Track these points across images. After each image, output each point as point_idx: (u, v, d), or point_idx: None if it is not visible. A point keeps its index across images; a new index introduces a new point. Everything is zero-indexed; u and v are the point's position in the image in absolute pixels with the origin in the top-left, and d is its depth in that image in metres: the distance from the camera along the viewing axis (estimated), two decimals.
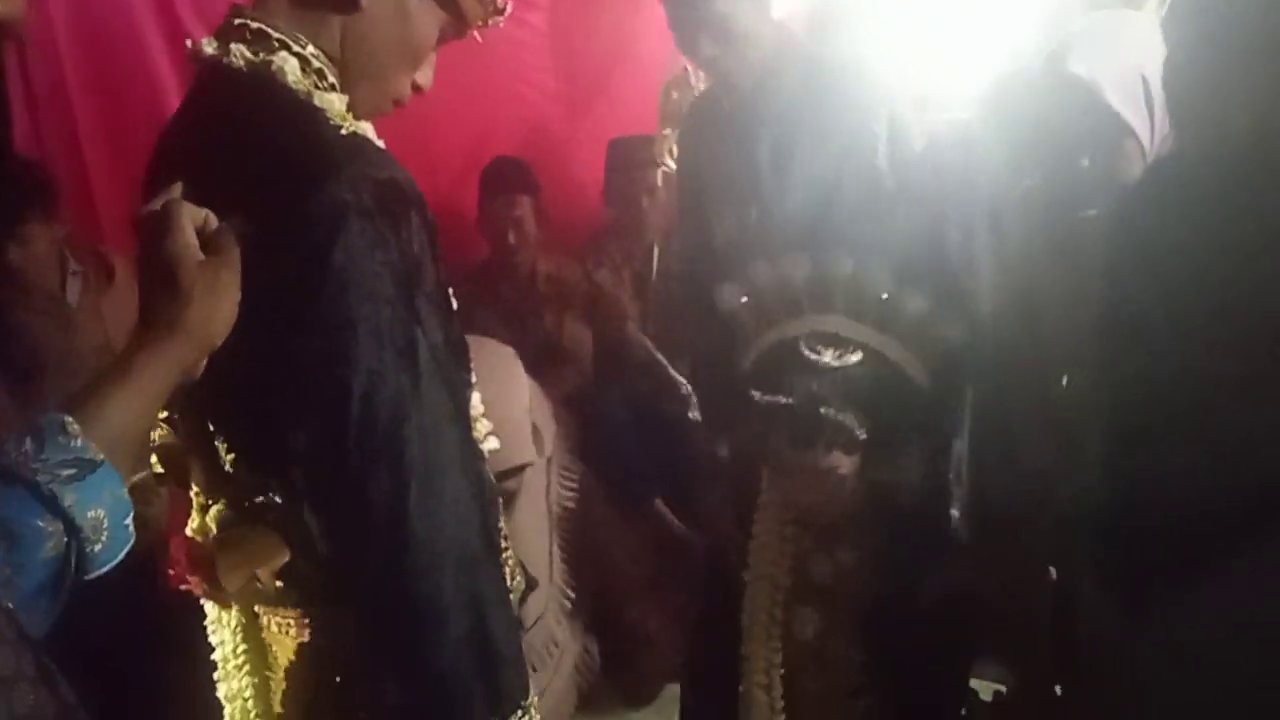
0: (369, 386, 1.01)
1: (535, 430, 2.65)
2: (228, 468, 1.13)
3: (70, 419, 0.86)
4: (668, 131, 3.06)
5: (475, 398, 1.27)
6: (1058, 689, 2.39)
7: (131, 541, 0.89)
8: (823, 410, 1.57)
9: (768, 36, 2.13)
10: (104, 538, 0.85)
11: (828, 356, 1.59)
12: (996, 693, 2.63)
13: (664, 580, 2.90)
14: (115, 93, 2.62)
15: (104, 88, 2.60)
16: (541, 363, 3.10)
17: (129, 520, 0.88)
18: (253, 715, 1.22)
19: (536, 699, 1.20)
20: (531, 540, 2.60)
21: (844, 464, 1.63)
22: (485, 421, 1.30)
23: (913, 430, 1.66)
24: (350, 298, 1.00)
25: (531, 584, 1.39)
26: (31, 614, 0.82)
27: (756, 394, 1.62)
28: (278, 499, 1.09)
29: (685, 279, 2.50)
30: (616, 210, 3.31)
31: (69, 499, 0.83)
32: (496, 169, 3.12)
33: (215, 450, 1.13)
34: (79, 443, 0.85)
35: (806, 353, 1.60)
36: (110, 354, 2.45)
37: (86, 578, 0.86)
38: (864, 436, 1.61)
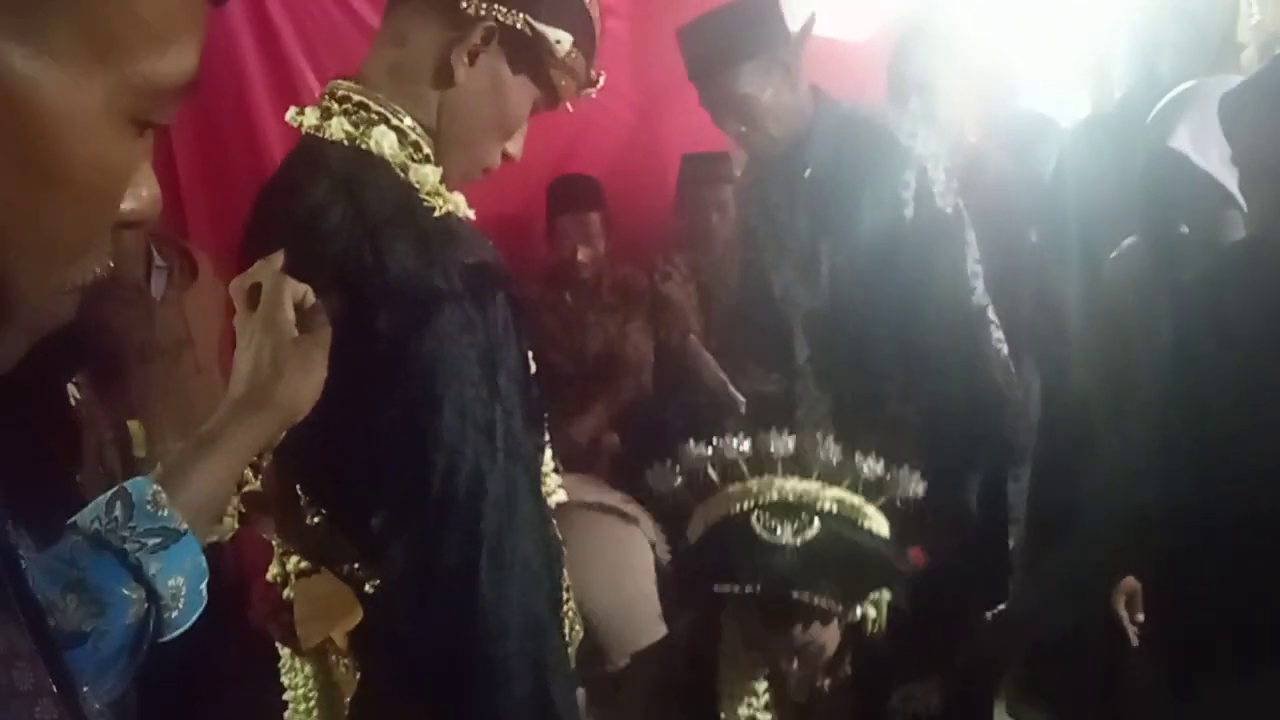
0: (450, 464, 1.05)
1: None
2: (308, 520, 1.18)
3: (159, 488, 0.90)
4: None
5: (548, 455, 1.30)
6: None
7: (204, 604, 0.94)
8: (794, 595, 1.51)
9: (793, 108, 2.16)
10: (181, 603, 0.90)
11: (787, 534, 1.52)
12: None
13: None
14: (203, 90, 2.67)
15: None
16: (601, 372, 3.13)
17: (204, 585, 0.93)
18: None
19: None
20: None
21: (823, 634, 1.60)
22: (555, 477, 1.34)
23: (887, 580, 1.62)
24: (438, 379, 1.04)
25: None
26: (109, 674, 0.87)
27: (718, 587, 1.55)
28: (354, 561, 1.14)
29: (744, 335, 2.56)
30: (686, 223, 3.32)
31: (153, 568, 0.88)
32: (565, 186, 3.13)
33: (297, 503, 1.18)
34: (166, 513, 0.89)
35: (761, 532, 1.53)
36: (190, 349, 2.53)
37: (161, 640, 0.91)
38: (838, 611, 1.56)
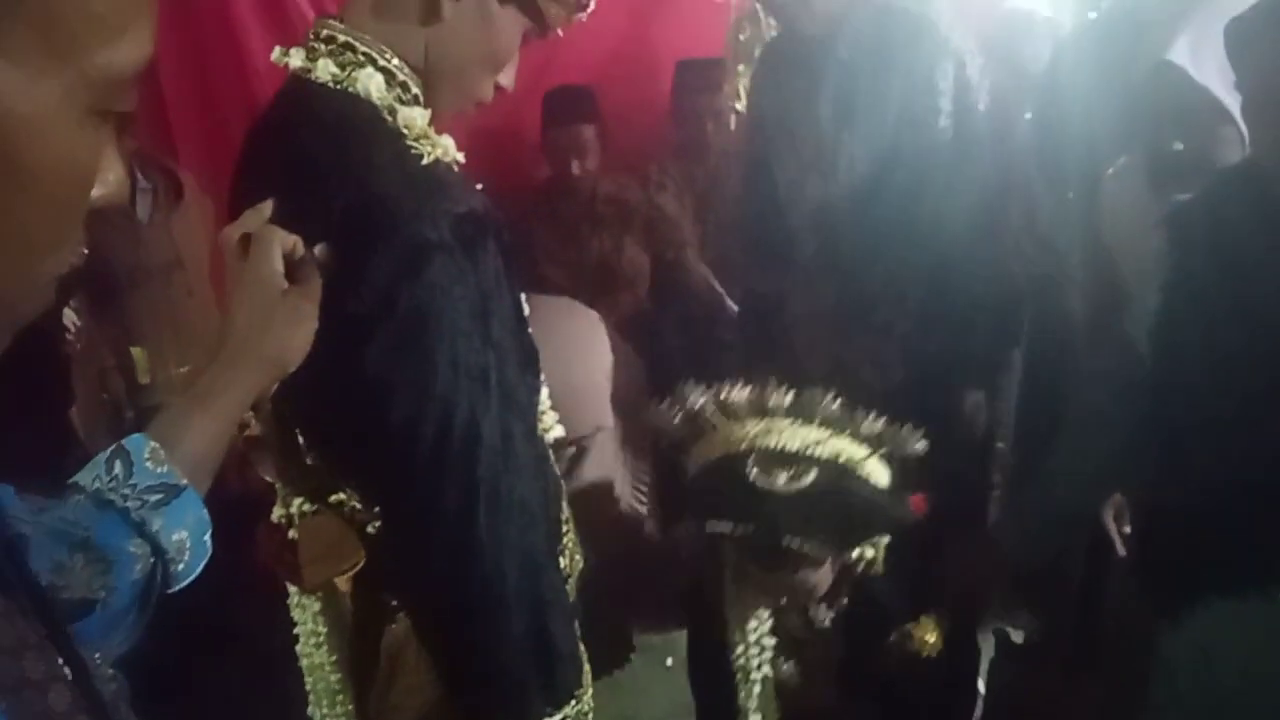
0: (445, 413, 1.06)
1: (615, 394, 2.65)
2: (308, 462, 1.20)
3: (156, 444, 0.91)
4: (741, 68, 3.00)
5: (544, 393, 1.31)
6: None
7: (209, 555, 0.96)
8: (785, 541, 1.50)
9: None
10: (187, 556, 0.92)
11: (781, 480, 1.50)
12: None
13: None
14: (189, 9, 2.61)
15: (178, 3, 2.59)
16: (598, 286, 3.13)
17: (207, 536, 0.95)
18: (335, 686, 1.32)
19: (589, 680, 1.28)
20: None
21: (814, 575, 1.61)
22: (552, 414, 1.36)
23: (877, 531, 1.60)
24: (430, 331, 1.04)
25: (589, 563, 1.46)
26: (118, 630, 0.89)
27: (710, 526, 1.54)
28: (355, 502, 1.16)
29: (744, 232, 2.50)
30: (682, 132, 3.27)
31: (156, 524, 0.89)
32: (559, 97, 3.08)
33: (297, 446, 1.19)
34: (165, 469, 0.91)
35: (755, 477, 1.50)
36: (181, 271, 2.52)
37: (169, 592, 0.93)
38: (828, 557, 1.57)
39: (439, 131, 1.14)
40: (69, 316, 2.30)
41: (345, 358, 1.05)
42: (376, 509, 1.18)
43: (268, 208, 1.05)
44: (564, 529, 1.37)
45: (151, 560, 0.90)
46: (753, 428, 1.54)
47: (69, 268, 0.60)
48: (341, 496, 1.20)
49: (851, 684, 1.78)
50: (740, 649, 1.73)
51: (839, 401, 1.54)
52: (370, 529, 1.19)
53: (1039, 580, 2.43)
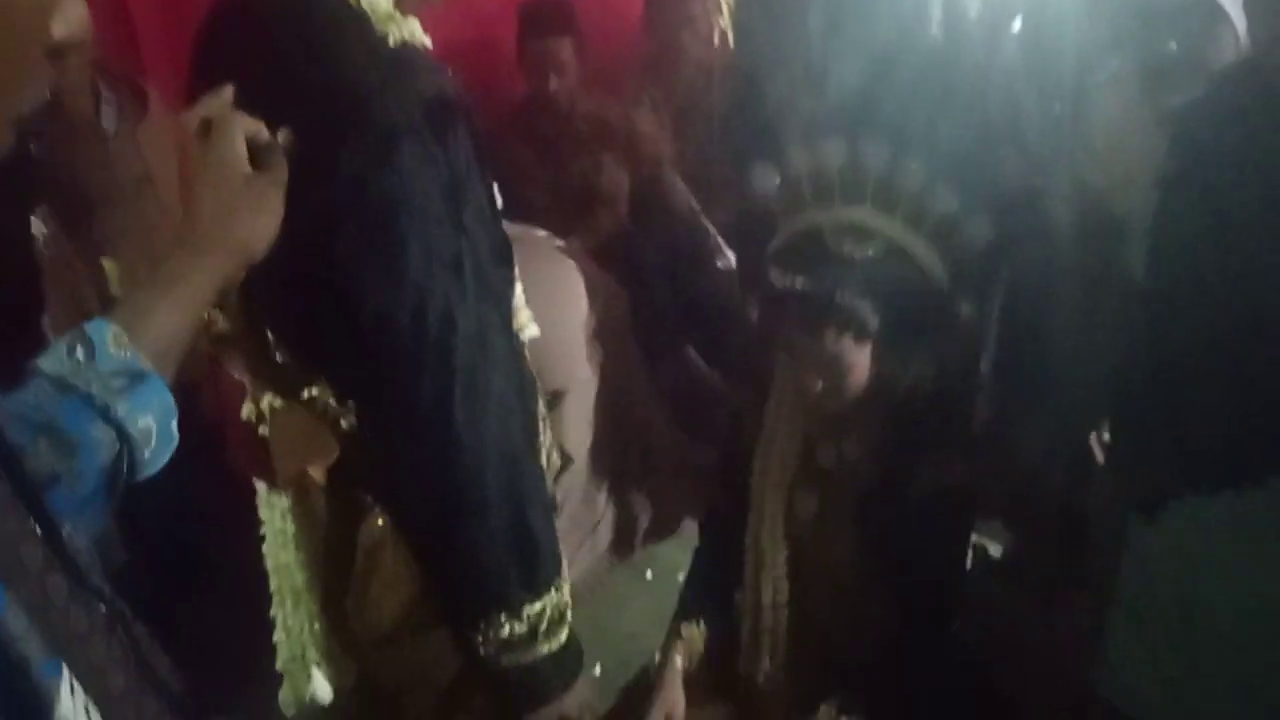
0: (418, 301, 1.04)
1: (592, 337, 2.62)
2: (278, 358, 1.18)
3: (119, 329, 0.89)
4: None
5: (518, 289, 1.30)
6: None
7: (176, 443, 0.94)
8: (836, 297, 1.57)
9: None
10: (153, 443, 0.90)
11: (848, 247, 1.58)
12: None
13: (691, 423, 2.97)
14: None
15: None
16: (577, 205, 3.09)
17: (174, 424, 0.93)
18: (300, 586, 1.31)
19: (567, 572, 1.29)
20: (574, 427, 2.56)
21: (852, 352, 1.64)
22: (527, 310, 1.34)
23: (927, 329, 1.65)
24: (400, 217, 1.02)
25: (567, 462, 1.46)
26: (86, 514, 0.88)
27: (774, 275, 1.62)
28: (328, 396, 1.14)
29: (733, 140, 2.46)
30: (655, 43, 3.20)
31: (121, 409, 0.87)
32: (536, 10, 3.00)
33: (266, 342, 1.17)
34: (128, 354, 0.88)
35: (830, 244, 1.59)
36: (150, 186, 2.47)
37: (136, 479, 0.92)
38: (875, 327, 1.60)
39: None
40: (37, 226, 2.25)
41: (314, 248, 1.03)
42: (350, 404, 1.16)
43: (229, 92, 1.01)
44: (542, 426, 1.36)
45: (118, 446, 0.88)
46: (840, 211, 1.60)
47: (30, 109, 0.58)
48: (314, 392, 1.18)
49: (869, 523, 1.79)
50: (759, 465, 1.80)
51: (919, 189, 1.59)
52: (344, 424, 1.18)
53: (1019, 486, 2.45)
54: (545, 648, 1.22)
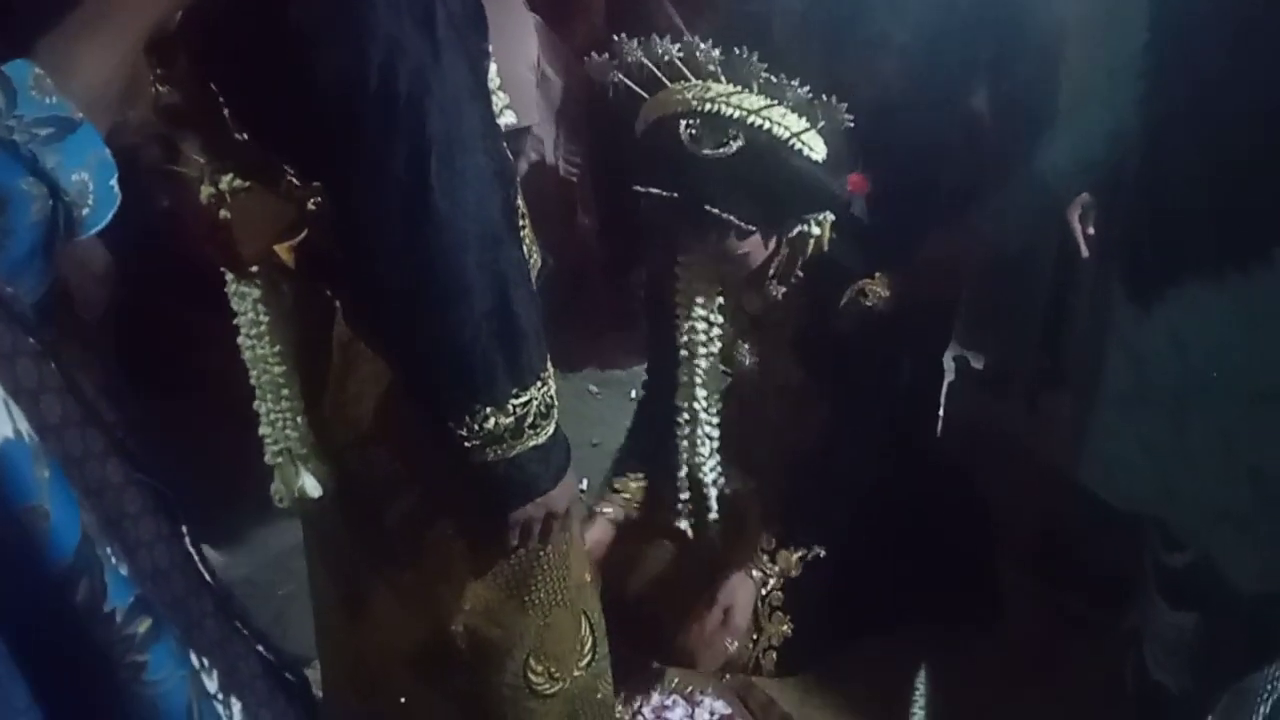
0: (387, 55, 0.95)
1: (545, 80, 2.52)
2: (236, 135, 1.08)
3: (41, 72, 0.79)
4: None
5: (493, 69, 1.19)
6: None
7: (118, 203, 0.85)
8: (707, 207, 1.54)
9: None
10: (90, 200, 0.81)
11: (707, 147, 1.51)
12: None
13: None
14: None
15: None
16: (553, 13, 2.92)
17: (114, 181, 0.84)
18: (279, 379, 1.25)
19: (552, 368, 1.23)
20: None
21: (742, 246, 1.64)
22: (502, 94, 1.24)
23: (811, 207, 1.65)
24: None
25: (547, 263, 1.39)
26: (25, 276, 0.80)
27: (638, 187, 1.58)
28: (292, 175, 1.05)
29: None
30: None
31: (50, 161, 0.78)
32: None
33: (221, 115, 1.07)
34: (54, 100, 0.79)
35: (687, 140, 1.52)
36: None
37: (76, 238, 0.84)
38: (759, 218, 1.60)
39: None
40: None
41: (271, 2, 0.92)
42: (316, 184, 1.08)
43: None
44: (521, 220, 1.28)
45: (50, 202, 0.79)
46: (690, 91, 1.54)
47: None
48: (277, 171, 1.09)
49: (805, 355, 1.81)
50: (685, 325, 1.79)
51: (766, 67, 1.53)
52: (311, 204, 1.09)
53: (1001, 298, 2.44)
54: (532, 441, 1.18)
